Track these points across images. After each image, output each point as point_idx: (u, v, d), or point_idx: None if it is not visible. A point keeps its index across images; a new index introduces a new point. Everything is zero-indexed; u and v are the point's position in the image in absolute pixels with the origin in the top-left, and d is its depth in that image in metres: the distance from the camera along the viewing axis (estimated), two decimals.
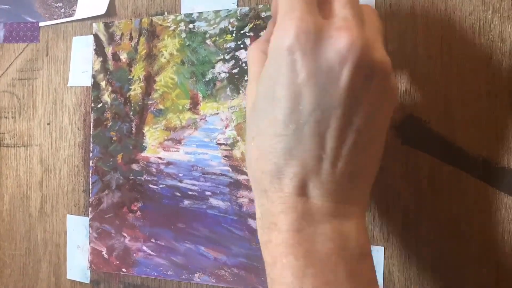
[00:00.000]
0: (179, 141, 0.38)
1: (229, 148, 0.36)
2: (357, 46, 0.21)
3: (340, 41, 0.22)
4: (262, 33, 0.35)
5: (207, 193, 0.37)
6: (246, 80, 0.36)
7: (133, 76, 0.40)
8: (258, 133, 0.24)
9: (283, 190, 0.23)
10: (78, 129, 0.42)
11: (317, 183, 0.23)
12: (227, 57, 0.36)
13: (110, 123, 0.41)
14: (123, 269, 0.39)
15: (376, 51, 0.23)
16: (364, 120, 0.23)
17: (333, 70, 0.22)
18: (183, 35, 0.38)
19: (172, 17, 0.39)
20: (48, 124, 0.44)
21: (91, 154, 0.41)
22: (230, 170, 0.36)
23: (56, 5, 0.44)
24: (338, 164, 0.23)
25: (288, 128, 0.23)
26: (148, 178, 0.39)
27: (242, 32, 0.36)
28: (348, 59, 0.21)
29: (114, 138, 0.40)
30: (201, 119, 0.37)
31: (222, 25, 0.37)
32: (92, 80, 0.42)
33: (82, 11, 0.43)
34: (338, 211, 0.23)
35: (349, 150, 0.23)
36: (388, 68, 0.23)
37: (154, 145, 0.39)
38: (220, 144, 0.36)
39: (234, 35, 0.36)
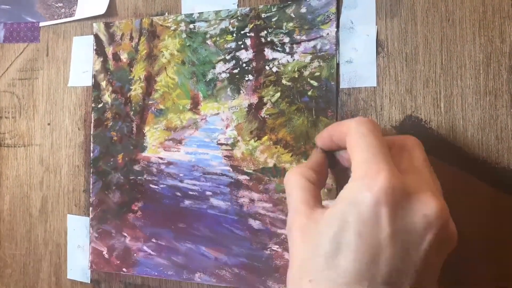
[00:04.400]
0: (179, 141, 0.38)
1: (230, 148, 0.36)
2: (444, 216, 0.22)
3: (429, 207, 0.22)
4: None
5: (208, 193, 0.37)
6: (247, 80, 0.36)
7: (134, 76, 0.40)
8: (317, 277, 0.23)
9: None
10: (78, 129, 0.42)
11: None
12: (228, 57, 0.36)
13: (111, 123, 0.41)
14: (124, 269, 0.39)
15: (451, 221, 0.23)
16: (431, 279, 0.23)
17: (418, 233, 0.22)
18: (184, 35, 0.38)
19: (172, 17, 0.39)
20: (49, 124, 0.44)
21: (91, 154, 0.41)
22: (231, 170, 0.36)
23: (56, 5, 0.44)
24: None
25: (361, 283, 0.21)
26: (149, 178, 0.39)
27: (242, 32, 0.36)
28: (434, 226, 0.22)
29: (115, 138, 0.40)
30: (201, 119, 0.37)
31: (222, 25, 0.37)
32: (93, 80, 0.42)
33: (82, 11, 0.43)
34: None
35: None
36: (456, 240, 0.24)
37: (154, 145, 0.39)
38: (221, 144, 0.36)
39: (234, 35, 0.36)
